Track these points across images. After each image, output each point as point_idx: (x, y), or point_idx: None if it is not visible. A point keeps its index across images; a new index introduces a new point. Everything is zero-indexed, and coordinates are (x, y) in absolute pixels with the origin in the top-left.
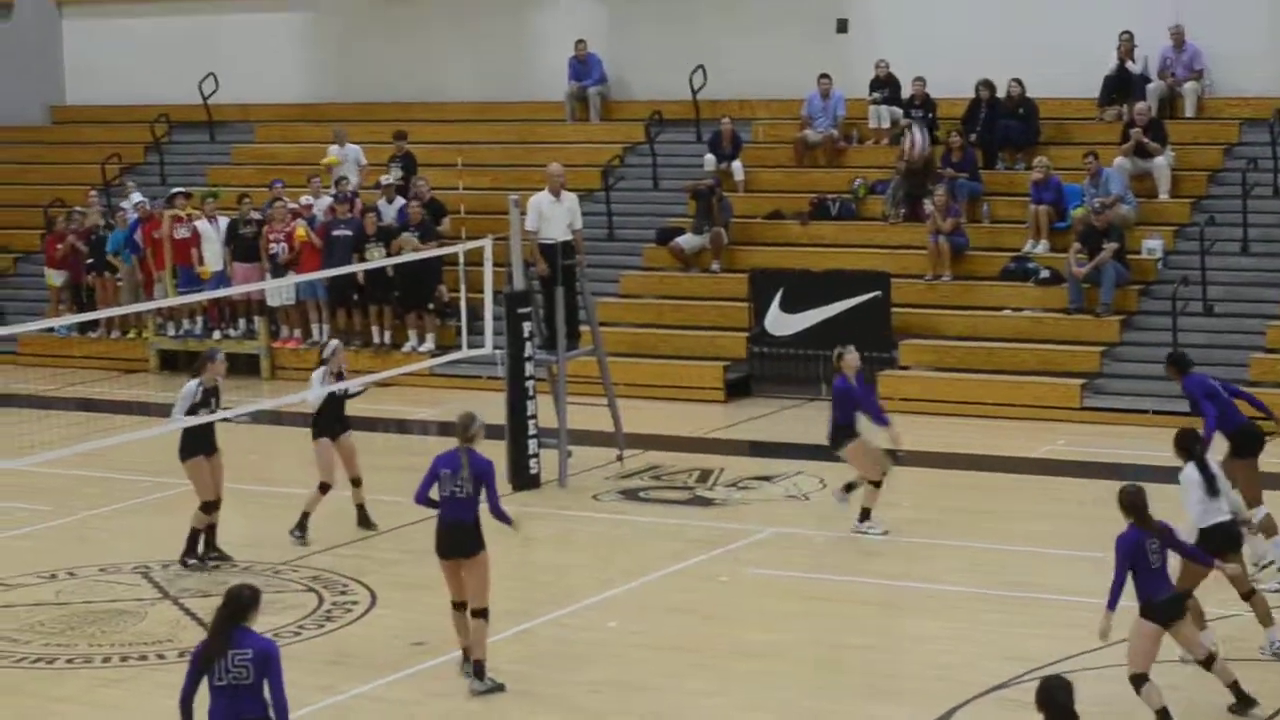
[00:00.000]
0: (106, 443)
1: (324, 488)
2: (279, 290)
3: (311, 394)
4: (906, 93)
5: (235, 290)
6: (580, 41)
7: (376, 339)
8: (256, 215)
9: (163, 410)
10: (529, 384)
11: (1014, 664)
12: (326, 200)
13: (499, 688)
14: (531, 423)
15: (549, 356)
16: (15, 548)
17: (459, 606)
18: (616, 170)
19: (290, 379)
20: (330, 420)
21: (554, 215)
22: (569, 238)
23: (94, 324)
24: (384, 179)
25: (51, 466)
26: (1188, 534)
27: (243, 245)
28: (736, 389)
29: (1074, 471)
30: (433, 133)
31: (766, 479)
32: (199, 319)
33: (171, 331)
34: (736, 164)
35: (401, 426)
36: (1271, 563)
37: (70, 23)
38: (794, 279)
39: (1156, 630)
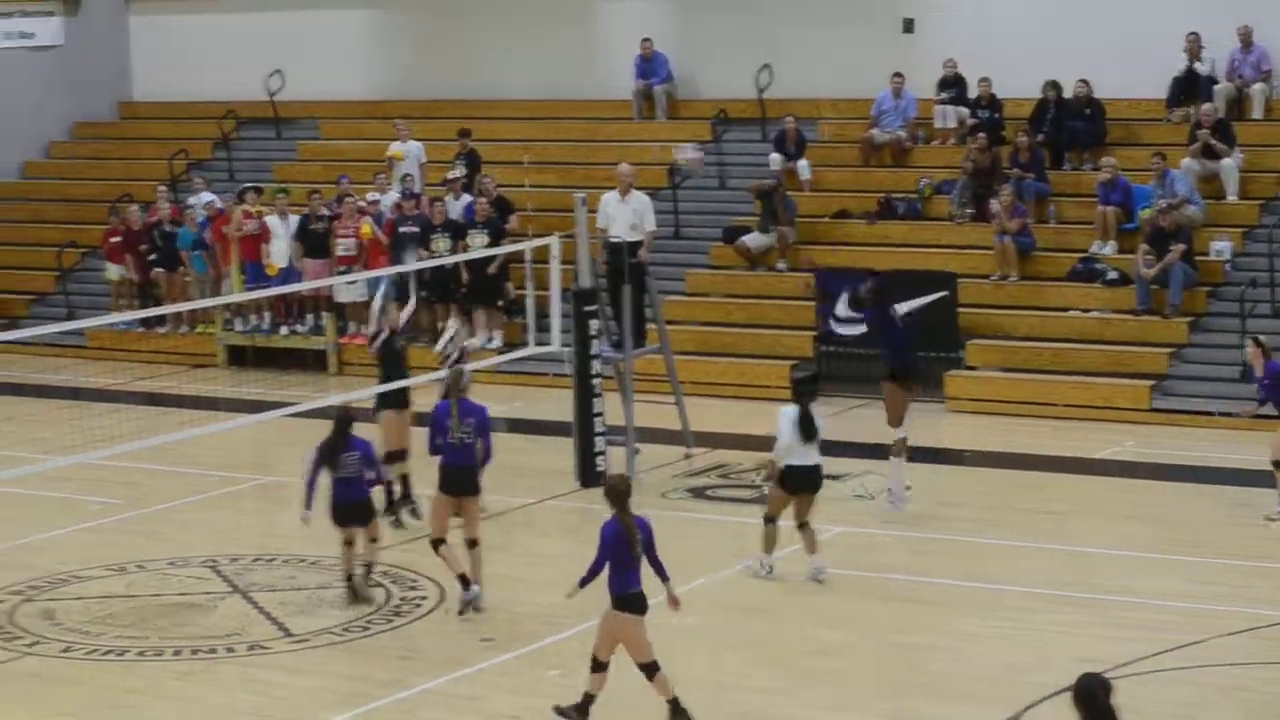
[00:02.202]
0: (176, 437)
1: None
2: (349, 286)
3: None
4: (973, 93)
5: (304, 286)
6: (646, 40)
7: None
8: (327, 211)
9: (231, 405)
10: (596, 382)
11: (1084, 665)
12: (393, 196)
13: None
14: (599, 420)
15: (616, 354)
16: (89, 540)
17: (438, 544)
18: (682, 169)
19: (357, 374)
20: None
21: (619, 214)
22: (635, 237)
23: (161, 319)
24: (449, 175)
25: (122, 460)
26: None
27: (312, 241)
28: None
29: (1143, 473)
30: (498, 130)
31: (834, 478)
32: (266, 314)
33: (239, 327)
34: (802, 163)
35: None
36: None
37: (138, 19)
38: (861, 279)
39: None
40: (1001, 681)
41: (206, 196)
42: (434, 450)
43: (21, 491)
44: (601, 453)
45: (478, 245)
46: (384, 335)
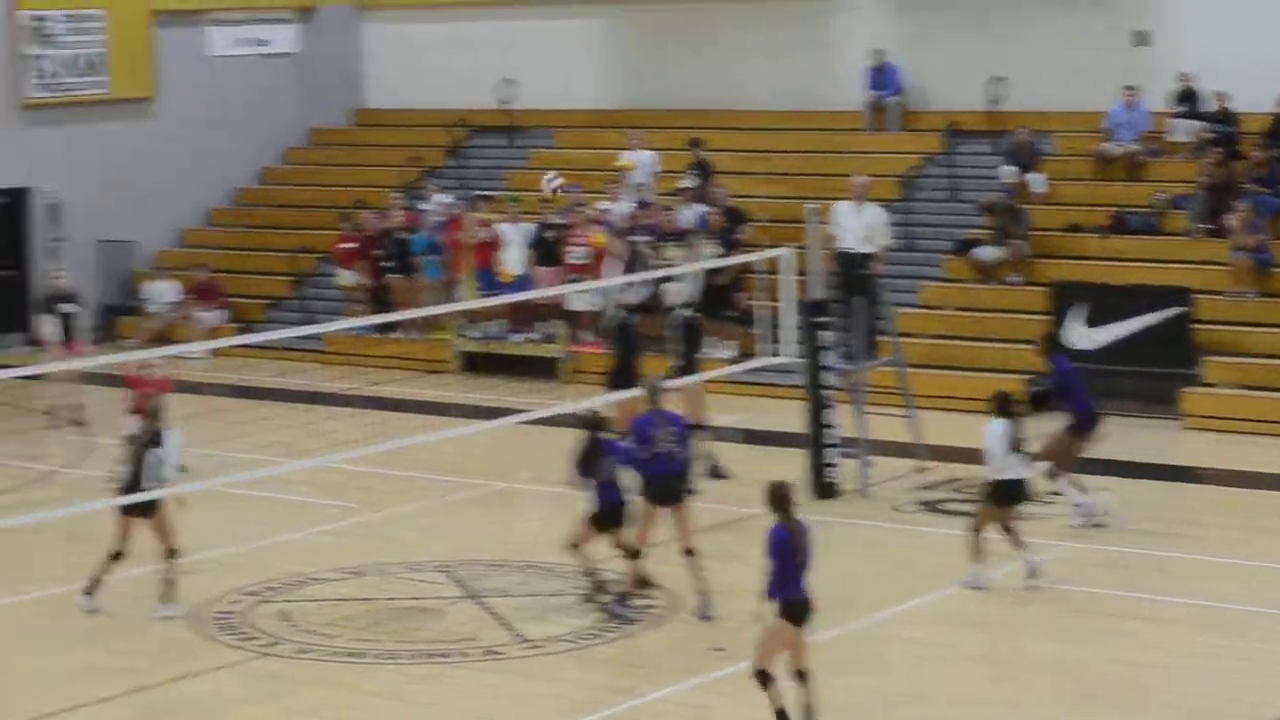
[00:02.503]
0: (410, 442)
1: None
2: (580, 295)
3: None
4: (1207, 106)
5: (536, 294)
6: (878, 51)
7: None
8: (559, 220)
9: (464, 411)
10: (828, 393)
11: None
12: (624, 206)
13: None
14: (831, 432)
15: (848, 366)
16: (324, 543)
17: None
18: (914, 181)
19: (588, 383)
20: None
21: (851, 225)
22: (868, 249)
23: (395, 324)
24: (680, 185)
25: (357, 464)
26: None
27: (545, 249)
28: (1039, 402)
29: None
30: (729, 140)
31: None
32: (500, 321)
33: (473, 333)
34: (1035, 176)
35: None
36: None
37: (372, 26)
38: (1095, 293)
39: None
40: (1241, 703)
41: (441, 198)
42: (640, 463)
43: (258, 494)
44: (833, 464)
45: (707, 255)
46: None
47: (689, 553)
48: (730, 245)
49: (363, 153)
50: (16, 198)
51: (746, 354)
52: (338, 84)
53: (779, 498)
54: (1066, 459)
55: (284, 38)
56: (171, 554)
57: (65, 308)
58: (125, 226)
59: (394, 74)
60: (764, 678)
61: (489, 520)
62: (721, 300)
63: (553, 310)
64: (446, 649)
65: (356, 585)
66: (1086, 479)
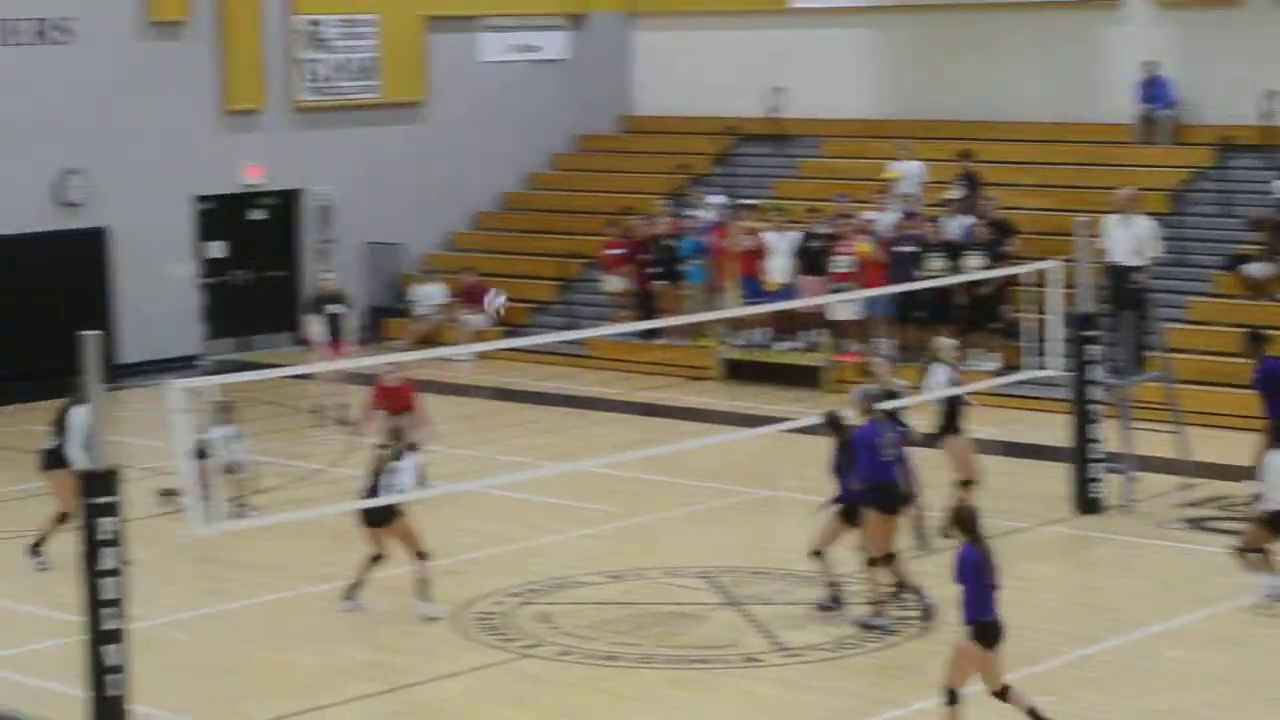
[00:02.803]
0: (673, 448)
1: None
2: (844, 304)
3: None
4: None
5: (801, 303)
6: (1150, 63)
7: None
8: (825, 229)
9: (726, 418)
10: (1094, 408)
11: None
12: (891, 216)
13: None
14: (1097, 447)
15: (1116, 380)
16: (585, 546)
17: (888, 558)
18: (1185, 195)
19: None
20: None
21: (1120, 238)
22: (1137, 262)
23: (659, 330)
24: (947, 195)
25: (617, 469)
26: None
27: (810, 258)
28: None
29: None
30: (997, 151)
31: None
32: (764, 329)
33: (736, 341)
34: None
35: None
36: None
37: (642, 35)
38: None
39: None
40: None
41: (717, 198)
42: (870, 475)
43: (521, 496)
44: (1098, 479)
45: (973, 267)
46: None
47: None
48: (997, 257)
49: (630, 159)
50: (288, 199)
51: (1011, 366)
52: (606, 91)
53: (966, 521)
54: None
55: (554, 44)
56: (421, 557)
57: (333, 309)
58: (394, 229)
59: (662, 82)
60: (952, 697)
61: (750, 527)
62: (987, 312)
63: (816, 319)
64: (705, 655)
65: (618, 589)
66: None
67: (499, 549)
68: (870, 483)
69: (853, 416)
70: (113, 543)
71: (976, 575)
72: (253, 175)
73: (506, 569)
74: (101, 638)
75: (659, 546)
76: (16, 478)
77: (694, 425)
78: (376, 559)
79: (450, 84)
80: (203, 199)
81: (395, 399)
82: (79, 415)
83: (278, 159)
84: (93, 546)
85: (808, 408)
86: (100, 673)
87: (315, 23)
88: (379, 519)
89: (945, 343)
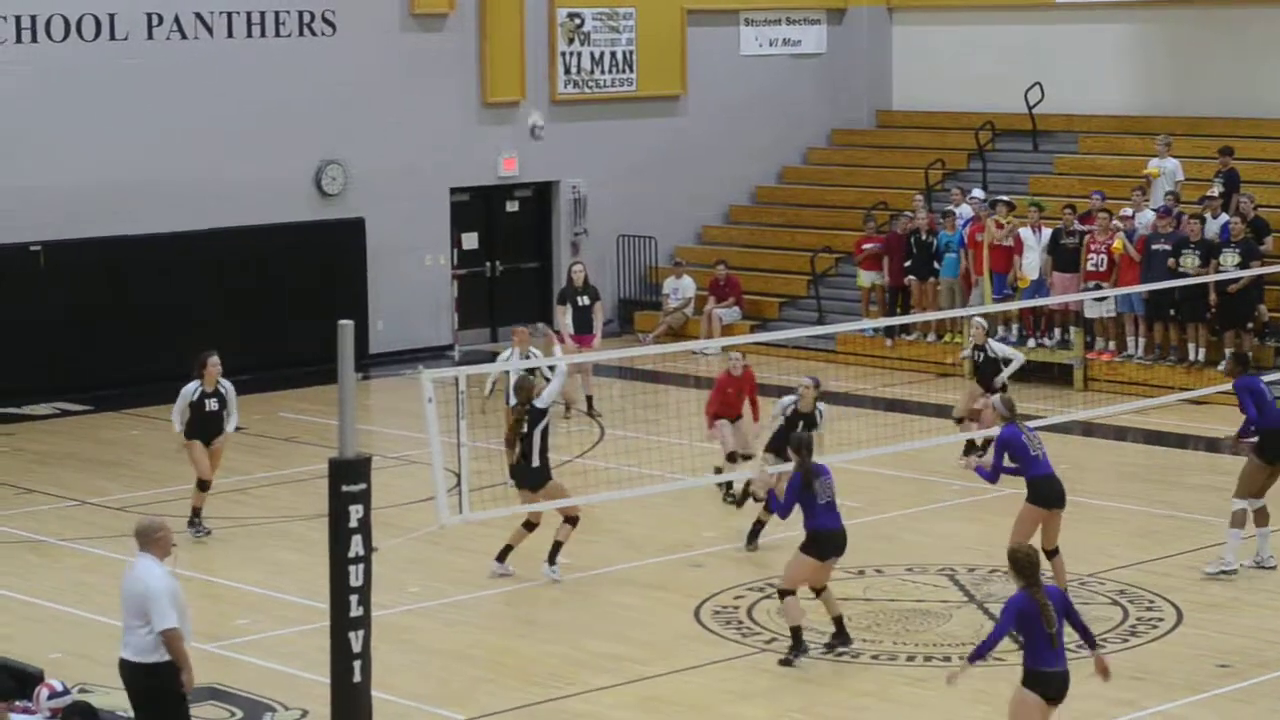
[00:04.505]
0: (918, 445)
1: None
2: (1098, 302)
3: None
4: None
5: (1053, 300)
6: None
7: (1191, 355)
8: (1080, 226)
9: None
10: None
11: None
12: (1149, 214)
13: None
14: None
15: None
16: None
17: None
18: None
19: (1103, 390)
20: None
21: None
22: None
23: (909, 326)
24: (1207, 194)
25: (862, 464)
26: None
27: (1063, 255)
28: None
29: None
30: (1257, 149)
31: None
32: (1014, 326)
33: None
34: None
35: (1210, 444)
36: None
37: (901, 29)
38: None
39: None
40: None
41: (976, 193)
42: (1028, 471)
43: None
44: None
45: (1229, 265)
46: None
47: (1053, 553)
48: (1252, 256)
49: (885, 154)
50: (543, 191)
51: (1263, 367)
52: (863, 85)
53: (1022, 565)
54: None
55: (813, 38)
56: (569, 521)
57: (582, 300)
58: (646, 222)
59: (919, 76)
60: None
61: (993, 525)
62: (1240, 311)
63: (1069, 316)
64: (947, 653)
65: (858, 585)
66: None
67: (740, 543)
68: (1027, 479)
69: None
70: (360, 530)
71: (1030, 624)
72: (509, 167)
73: (747, 563)
74: (347, 624)
75: (902, 543)
76: (270, 464)
77: (940, 422)
78: (529, 527)
79: (708, 78)
80: (458, 190)
81: (739, 385)
82: (188, 388)
83: (535, 151)
84: (342, 533)
85: (1058, 405)
86: (345, 659)
87: (575, 16)
88: (529, 484)
89: None
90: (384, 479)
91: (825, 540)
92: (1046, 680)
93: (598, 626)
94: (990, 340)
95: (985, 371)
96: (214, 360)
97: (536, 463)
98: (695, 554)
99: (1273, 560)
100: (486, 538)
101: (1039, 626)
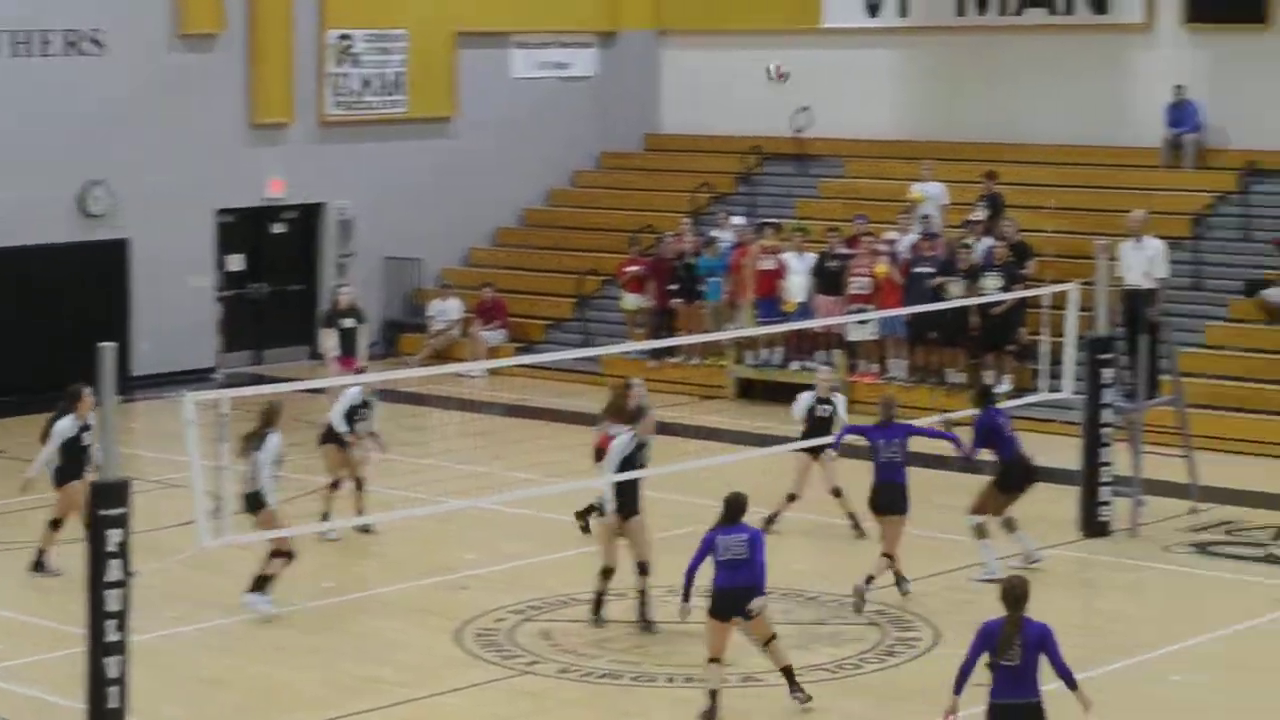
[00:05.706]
0: (682, 467)
1: None
2: (861, 325)
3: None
4: None
5: (816, 323)
6: (1179, 87)
7: (951, 378)
8: (843, 250)
9: (738, 438)
10: (1106, 431)
11: None
12: (912, 238)
13: None
14: (1107, 470)
15: (1128, 405)
16: (589, 564)
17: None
18: (1206, 220)
19: (865, 412)
20: None
21: (1133, 261)
22: (1150, 285)
23: (673, 349)
24: (970, 217)
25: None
26: None
27: (828, 278)
28: None
29: None
30: (1021, 174)
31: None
32: (778, 349)
33: (750, 360)
34: None
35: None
36: None
37: (670, 52)
38: None
39: None
40: None
41: (738, 219)
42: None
43: (527, 513)
44: (1107, 503)
45: (990, 289)
46: None
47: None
48: (1014, 280)
49: (653, 177)
50: (309, 213)
51: (1023, 389)
52: (633, 108)
53: (1010, 595)
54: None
55: (584, 61)
56: (278, 555)
57: (347, 323)
58: (413, 244)
59: (689, 100)
60: None
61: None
62: (1002, 334)
63: (832, 340)
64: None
65: (619, 608)
66: None
67: (503, 565)
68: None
69: None
70: (119, 555)
71: (993, 651)
72: (275, 190)
73: (511, 586)
74: (103, 649)
75: (665, 565)
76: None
77: (703, 444)
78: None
79: (479, 100)
80: (225, 211)
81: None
82: (63, 425)
83: (301, 173)
84: (99, 558)
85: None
86: (100, 685)
87: (346, 37)
88: (249, 506)
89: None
90: (145, 502)
91: (718, 598)
92: (999, 713)
93: (358, 650)
94: (836, 394)
95: (817, 431)
96: (89, 390)
97: (254, 488)
98: (458, 576)
99: (1039, 555)
100: (248, 560)
101: (999, 656)
